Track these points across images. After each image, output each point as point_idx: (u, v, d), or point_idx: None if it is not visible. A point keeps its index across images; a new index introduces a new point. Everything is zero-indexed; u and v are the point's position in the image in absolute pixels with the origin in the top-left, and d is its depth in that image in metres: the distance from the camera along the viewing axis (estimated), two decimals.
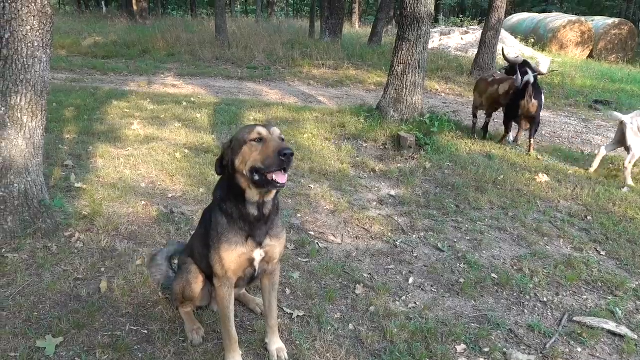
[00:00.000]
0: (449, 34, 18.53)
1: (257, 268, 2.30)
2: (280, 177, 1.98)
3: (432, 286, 3.29)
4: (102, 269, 3.12)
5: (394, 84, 6.72)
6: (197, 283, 2.49)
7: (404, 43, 6.57)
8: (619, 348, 2.79)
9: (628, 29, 21.93)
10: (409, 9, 6.46)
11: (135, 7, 21.44)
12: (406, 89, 6.64)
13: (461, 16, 25.79)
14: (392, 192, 4.88)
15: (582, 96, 11.16)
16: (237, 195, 2.16)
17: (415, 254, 3.70)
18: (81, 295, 2.83)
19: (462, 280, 3.35)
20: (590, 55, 20.75)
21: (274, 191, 2.17)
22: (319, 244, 3.72)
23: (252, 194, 2.12)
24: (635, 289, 3.41)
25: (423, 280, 3.36)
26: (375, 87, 10.78)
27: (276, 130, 2.10)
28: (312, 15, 18.77)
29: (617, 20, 22.58)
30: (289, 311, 2.85)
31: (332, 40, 15.36)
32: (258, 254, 2.25)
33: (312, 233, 3.89)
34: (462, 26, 21.01)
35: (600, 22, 22.06)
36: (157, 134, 6.07)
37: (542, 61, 14.53)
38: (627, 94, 11.63)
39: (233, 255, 2.20)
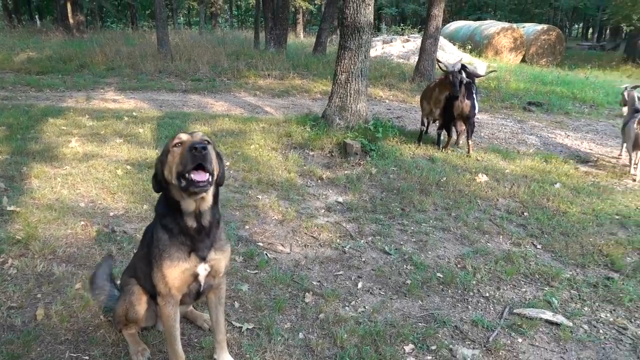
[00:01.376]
0: (391, 42, 19.05)
1: (202, 283, 2.27)
2: (198, 175, 1.94)
3: (380, 289, 3.35)
4: (39, 295, 2.96)
5: (338, 92, 6.82)
6: (141, 304, 2.41)
7: (346, 52, 6.70)
8: (556, 336, 2.95)
9: (556, 34, 23.37)
10: (349, 18, 6.59)
11: (71, 21, 20.63)
12: (350, 96, 6.76)
13: (402, 25, 26.59)
14: (340, 199, 4.93)
15: (517, 98, 11.75)
16: (174, 209, 2.12)
17: (363, 259, 3.75)
18: (15, 325, 2.67)
19: (409, 282, 3.43)
20: (523, 60, 21.93)
21: (209, 199, 2.14)
22: (268, 254, 3.70)
23: (187, 204, 2.09)
24: (569, 279, 3.62)
25: (372, 284, 3.42)
26: (321, 95, 10.90)
27: (198, 134, 2.08)
28: (257, 26, 18.74)
29: (545, 26, 24.02)
30: (238, 324, 2.81)
31: (277, 51, 15.42)
32: (202, 269, 2.22)
33: (260, 244, 3.87)
34: (403, 34, 21.67)
35: (531, 28, 23.39)
36: (97, 151, 5.86)
37: (479, 66, 15.23)
38: (557, 95, 12.36)
39: (176, 272, 2.16)
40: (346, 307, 3.10)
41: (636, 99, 6.55)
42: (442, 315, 3.06)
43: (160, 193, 2.23)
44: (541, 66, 20.77)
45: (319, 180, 5.44)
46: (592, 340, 2.91)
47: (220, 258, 2.29)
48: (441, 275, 3.54)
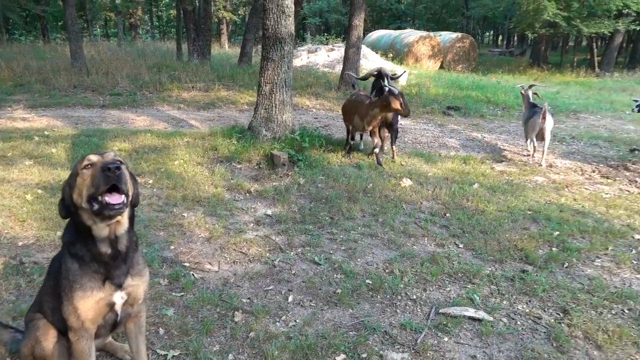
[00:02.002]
0: (316, 51, 19.31)
1: (119, 312, 2.14)
2: (113, 198, 1.86)
3: (311, 301, 3.34)
4: None
5: (263, 104, 6.79)
6: (48, 339, 2.23)
7: (268, 63, 6.69)
8: (479, 331, 3.08)
9: (469, 42, 24.84)
10: (270, 30, 6.60)
11: None
12: (276, 107, 6.75)
13: (326, 34, 27.09)
14: (269, 212, 4.89)
15: (437, 103, 12.33)
16: (85, 235, 2.00)
17: (293, 271, 3.73)
18: None
19: (339, 291, 3.45)
20: (441, 66, 23.09)
21: (125, 221, 2.03)
22: (195, 274, 3.58)
23: (100, 229, 1.98)
24: (489, 275, 3.81)
25: (302, 296, 3.40)
26: (247, 106, 10.80)
27: (110, 154, 1.99)
28: (179, 37, 18.30)
29: (460, 34, 25.47)
30: (163, 352, 2.69)
31: (201, 62, 15.13)
32: (119, 297, 2.10)
33: (186, 264, 3.73)
34: (327, 44, 22.03)
35: (447, 36, 24.70)
36: (3, 175, 5.40)
37: (399, 73, 15.81)
38: (473, 100, 13.11)
39: (89, 303, 2.02)
40: (277, 323, 3.06)
41: (530, 96, 7.66)
42: (372, 322, 3.11)
43: (68, 220, 2.09)
44: (458, 72, 21.97)
45: (247, 194, 5.36)
46: (511, 333, 3.08)
47: (139, 284, 2.18)
48: (370, 282, 3.60)
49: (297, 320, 3.10)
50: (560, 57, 31.57)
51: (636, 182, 6.65)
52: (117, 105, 10.44)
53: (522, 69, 25.07)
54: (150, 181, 5.44)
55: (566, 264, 4.06)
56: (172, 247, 3.99)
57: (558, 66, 26.27)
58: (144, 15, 37.85)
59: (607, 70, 23.68)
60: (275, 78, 6.67)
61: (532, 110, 7.25)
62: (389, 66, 17.88)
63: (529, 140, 7.55)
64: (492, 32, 59.42)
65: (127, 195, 1.93)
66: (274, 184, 5.64)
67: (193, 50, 15.63)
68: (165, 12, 42.37)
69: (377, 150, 6.62)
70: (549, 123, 6.98)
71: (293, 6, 6.65)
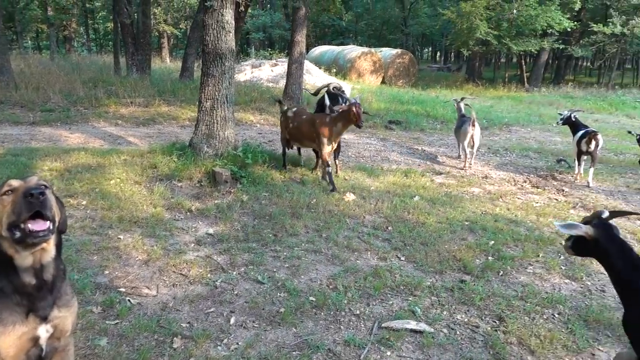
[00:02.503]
0: (260, 66, 19.31)
1: (44, 347, 1.99)
2: (37, 225, 1.75)
3: (254, 322, 3.28)
4: None
5: (204, 120, 6.66)
6: None
7: (209, 79, 6.59)
8: (420, 343, 3.14)
9: (409, 58, 25.74)
10: (210, 45, 6.52)
11: None
12: (217, 123, 6.64)
13: (269, 49, 27.18)
14: (211, 230, 4.78)
15: (379, 118, 12.63)
16: (5, 265, 1.85)
17: (236, 292, 3.65)
18: None
19: (282, 310, 3.41)
20: (383, 81, 23.74)
21: (51, 249, 1.91)
22: (131, 300, 3.42)
23: (23, 258, 1.84)
24: (430, 286, 3.90)
25: (245, 317, 3.33)
26: (189, 122, 10.57)
27: (33, 179, 1.87)
28: (116, 50, 17.70)
29: (400, 50, 26.34)
30: None
31: (140, 77, 14.68)
32: (44, 331, 1.95)
33: (122, 289, 3.56)
34: (271, 59, 22.10)
35: (387, 52, 25.47)
36: None
37: (345, 88, 16.06)
38: (413, 114, 13.55)
39: (10, 339, 1.87)
40: (218, 347, 2.97)
41: (462, 107, 8.68)
42: (316, 340, 3.08)
43: None
44: (398, 87, 22.67)
45: (188, 213, 5.22)
46: (451, 343, 3.15)
47: (66, 315, 2.04)
48: (314, 299, 3.58)
49: (240, 343, 3.02)
50: (493, 73, 33.39)
51: (563, 190, 7.08)
52: (48, 122, 9.90)
53: (459, 84, 26.25)
54: (84, 202, 5.18)
55: (501, 272, 4.23)
56: (106, 272, 3.80)
57: (491, 81, 27.74)
58: (78, 28, 36.39)
59: (536, 86, 25.27)
60: (217, 94, 6.58)
61: (462, 119, 8.20)
62: (334, 81, 18.18)
63: (461, 147, 8.31)
64: (430, 48, 61.96)
65: (52, 222, 1.82)
66: (216, 201, 5.52)
67: (132, 64, 15.16)
68: (102, 25, 40.93)
69: (329, 169, 6.31)
70: (477, 131, 7.86)
71: (233, 22, 6.62)
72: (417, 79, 26.09)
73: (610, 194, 7.06)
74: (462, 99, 9.10)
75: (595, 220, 2.47)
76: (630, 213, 3.18)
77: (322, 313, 3.43)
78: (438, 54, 58.31)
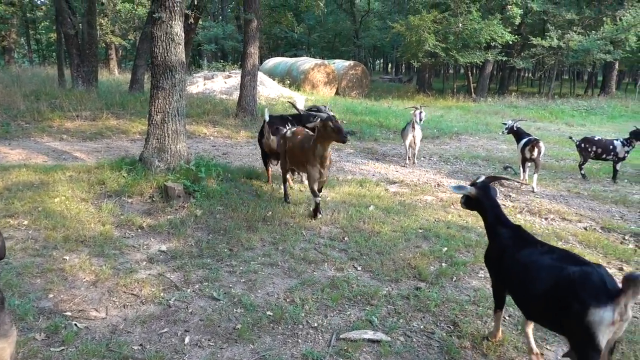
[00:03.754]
0: (213, 78, 19.10)
1: None
2: None
3: (209, 340, 3.20)
4: None
5: (155, 134, 6.50)
6: None
7: (159, 92, 6.45)
8: (378, 353, 3.16)
9: (361, 69, 26.19)
10: (159, 58, 6.38)
11: None
12: (168, 137, 6.49)
13: (222, 61, 26.95)
14: (163, 247, 4.64)
15: None
16: None
17: (190, 310, 3.55)
18: None
19: (239, 326, 3.35)
20: (336, 93, 24.02)
21: None
22: (77, 324, 3.26)
23: None
24: (386, 295, 3.95)
25: (200, 336, 3.24)
26: (140, 136, 10.29)
27: None
28: (60, 62, 17.02)
29: (352, 62, 26.76)
30: None
31: (86, 89, 14.17)
32: None
33: (68, 313, 3.39)
34: (224, 70, 21.90)
35: (340, 64, 25.82)
36: None
37: (298, 99, 16.14)
38: (367, 124, 13.77)
39: None
40: None
41: (416, 116, 9.48)
42: (274, 356, 3.04)
43: None
44: (352, 98, 23.00)
45: (139, 230, 5.05)
46: (408, 350, 3.19)
47: (4, 347, 1.93)
48: (271, 314, 3.54)
49: None
50: (443, 83, 34.55)
51: (510, 196, 7.37)
52: None
53: (410, 94, 26.95)
54: (25, 222, 4.91)
55: (454, 278, 4.34)
56: (50, 296, 3.61)
57: (441, 92, 28.67)
58: (19, 38, 34.74)
59: (482, 96, 26.31)
60: (167, 107, 6.44)
61: (407, 124, 9.29)
62: (287, 93, 18.22)
63: (404, 147, 9.40)
64: (382, 60, 63.36)
65: None
66: (169, 217, 5.38)
67: (77, 76, 14.61)
68: (45, 36, 39.27)
69: (318, 200, 5.59)
70: (418, 132, 9.04)
71: (183, 34, 6.52)
72: (370, 90, 26.58)
73: (553, 198, 7.42)
74: (416, 108, 9.99)
75: (477, 183, 3.29)
76: (504, 178, 3.84)
77: (280, 327, 3.39)
78: (390, 65, 59.73)
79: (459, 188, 3.32)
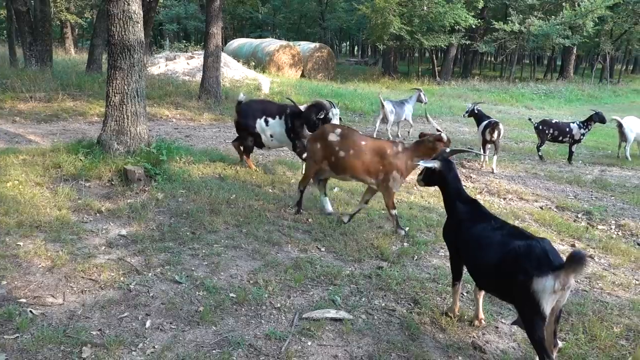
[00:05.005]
0: (175, 59, 18.56)
1: None
2: None
3: (171, 323, 3.17)
4: None
5: (113, 115, 6.29)
6: None
7: (117, 72, 6.22)
8: (340, 331, 3.21)
9: (327, 52, 26.04)
10: (116, 37, 6.15)
11: None
12: (128, 119, 6.29)
13: (185, 41, 26.25)
14: (123, 231, 4.54)
15: None
16: None
17: (151, 294, 3.51)
18: None
19: (201, 309, 3.33)
20: (302, 75, 23.84)
21: None
22: (33, 311, 3.16)
23: None
24: (349, 275, 4.00)
25: (162, 319, 3.21)
26: (98, 118, 9.93)
27: None
28: (11, 41, 16.19)
29: (318, 44, 26.58)
30: None
31: (40, 69, 13.53)
32: None
33: (23, 300, 3.28)
34: (187, 51, 21.34)
35: (306, 46, 25.59)
36: None
37: (263, 82, 15.94)
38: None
39: None
40: (133, 352, 2.84)
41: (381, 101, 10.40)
42: (236, 336, 3.05)
43: None
44: (318, 80, 22.89)
45: (98, 214, 4.91)
46: (369, 328, 3.26)
47: None
48: (234, 295, 3.53)
49: (156, 346, 2.91)
50: (408, 67, 34.84)
51: (471, 177, 7.57)
52: None
53: (376, 77, 27.05)
54: None
55: (416, 257, 4.45)
56: (3, 283, 3.48)
57: (406, 75, 28.89)
58: None
59: (446, 79, 26.70)
60: (126, 88, 6.23)
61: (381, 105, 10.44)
62: (252, 75, 17.94)
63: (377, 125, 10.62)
64: (348, 42, 63.15)
65: None
66: (129, 201, 5.25)
67: (30, 55, 13.92)
68: None
69: (395, 212, 4.96)
70: (387, 109, 10.35)
71: (141, 12, 6.29)
72: (336, 73, 26.49)
73: (512, 178, 7.66)
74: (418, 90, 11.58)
75: (440, 157, 3.41)
76: (464, 151, 4.29)
77: (243, 309, 3.40)
78: (356, 48, 59.62)
79: (425, 162, 3.45)
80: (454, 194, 3.29)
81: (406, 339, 3.16)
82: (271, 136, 6.65)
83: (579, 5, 24.86)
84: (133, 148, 6.27)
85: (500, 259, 2.73)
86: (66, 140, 7.52)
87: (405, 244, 4.71)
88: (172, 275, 3.78)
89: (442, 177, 3.34)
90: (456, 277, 3.33)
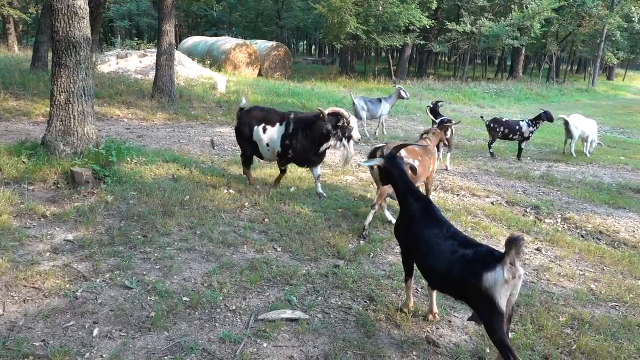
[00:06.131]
0: (127, 56, 17.96)
1: None
2: None
3: (120, 330, 3.05)
4: None
5: (58, 115, 6.01)
6: None
7: (62, 69, 5.95)
8: (296, 331, 3.19)
9: (284, 50, 25.92)
10: (61, 33, 5.88)
11: None
12: (74, 119, 6.03)
13: (137, 39, 25.44)
14: (70, 236, 4.34)
15: None
16: None
17: (99, 301, 3.37)
18: None
19: (152, 314, 3.22)
20: (259, 74, 23.62)
21: None
22: None
23: None
24: (305, 274, 3.99)
25: (110, 327, 3.08)
26: (44, 118, 9.42)
27: None
28: None
29: (274, 43, 26.40)
30: None
31: None
32: None
33: None
34: (139, 49, 20.69)
35: (262, 44, 25.37)
36: None
37: (219, 80, 15.69)
38: (290, 106, 13.69)
39: None
40: None
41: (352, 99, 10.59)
42: (189, 341, 2.97)
43: None
44: (275, 79, 22.76)
45: (42, 219, 4.68)
46: (325, 327, 3.26)
47: None
48: (188, 299, 3.45)
49: (104, 355, 2.79)
50: (364, 66, 35.17)
51: None
52: None
53: (333, 76, 27.16)
54: None
55: (372, 254, 4.48)
56: None
57: (363, 74, 29.18)
58: None
59: (402, 78, 27.16)
60: (72, 86, 5.97)
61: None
62: (208, 73, 17.61)
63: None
64: (305, 41, 63.16)
65: None
66: (76, 204, 5.03)
67: None
68: None
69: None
70: (358, 104, 10.56)
71: (87, 7, 6.04)
72: (293, 72, 26.42)
73: (464, 175, 7.87)
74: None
75: (385, 154, 3.42)
76: (409, 144, 4.37)
77: (197, 313, 3.32)
78: (313, 47, 59.73)
79: (368, 161, 3.54)
80: (403, 190, 3.26)
81: (362, 337, 3.18)
82: (267, 145, 6.00)
83: (526, 7, 25.89)
84: (80, 149, 6.02)
85: (450, 268, 2.78)
86: (8, 141, 7.12)
87: (361, 241, 4.74)
88: (121, 280, 3.64)
89: (389, 174, 3.34)
90: (408, 273, 3.37)
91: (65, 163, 5.67)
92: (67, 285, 3.52)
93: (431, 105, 9.46)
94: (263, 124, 5.98)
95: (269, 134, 5.94)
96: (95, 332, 3.01)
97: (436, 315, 3.42)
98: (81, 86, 6.04)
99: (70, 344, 2.87)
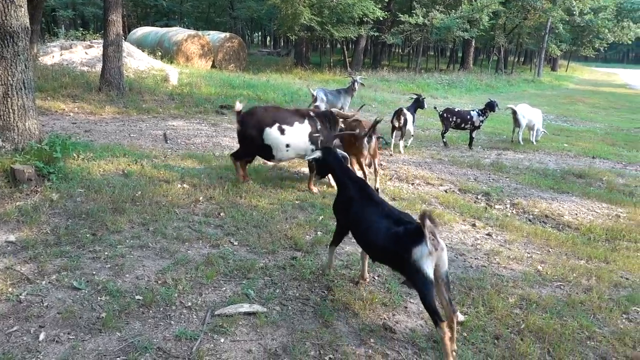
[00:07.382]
0: (71, 47, 17.15)
1: None
2: None
3: (69, 334, 2.93)
4: None
5: None
6: None
7: None
8: (254, 325, 3.16)
9: (238, 42, 25.51)
10: None
11: None
12: (14, 113, 5.71)
13: (82, 29, 24.34)
14: (12, 237, 4.11)
15: (210, 103, 12.32)
16: None
17: (46, 303, 3.21)
18: None
19: (103, 315, 3.11)
20: (213, 66, 23.14)
21: None
22: None
23: None
24: (263, 267, 3.95)
25: (58, 330, 2.95)
26: None
27: None
28: None
29: (228, 34, 25.91)
30: None
31: None
32: None
33: None
34: (85, 40, 19.79)
35: (215, 36, 24.85)
36: None
37: (171, 73, 15.27)
38: (245, 98, 13.50)
39: None
40: None
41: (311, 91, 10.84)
42: (143, 341, 2.89)
43: None
44: (229, 71, 22.37)
45: None
46: (283, 319, 3.25)
47: None
48: (141, 298, 3.34)
49: None
50: (320, 58, 35.17)
51: (381, 165, 7.81)
52: None
53: (288, 68, 26.98)
54: None
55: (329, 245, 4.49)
56: None
57: (318, 66, 29.18)
58: None
59: (357, 70, 27.31)
60: (10, 79, 5.63)
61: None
62: (159, 65, 17.09)
63: None
64: (260, 33, 62.42)
65: None
66: (18, 203, 4.77)
67: None
68: None
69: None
70: (318, 95, 10.74)
71: None
72: (248, 64, 26.05)
73: (419, 164, 8.03)
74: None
75: (320, 145, 3.92)
76: (343, 134, 4.70)
77: (151, 311, 3.23)
78: (268, 38, 59.13)
79: (310, 155, 3.93)
80: (341, 175, 3.66)
81: (320, 327, 3.19)
82: (287, 146, 5.77)
83: (475, 0, 26.58)
84: (22, 145, 5.71)
85: (386, 243, 3.06)
86: None
87: (319, 232, 4.75)
88: (69, 281, 3.49)
89: (326, 164, 3.77)
90: (334, 243, 3.80)
91: (5, 160, 5.36)
92: (10, 289, 3.34)
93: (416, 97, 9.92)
94: (277, 124, 5.74)
95: (289, 133, 5.71)
96: (42, 336, 2.87)
97: (366, 280, 3.79)
98: (20, 79, 5.71)
99: (14, 350, 2.73)
